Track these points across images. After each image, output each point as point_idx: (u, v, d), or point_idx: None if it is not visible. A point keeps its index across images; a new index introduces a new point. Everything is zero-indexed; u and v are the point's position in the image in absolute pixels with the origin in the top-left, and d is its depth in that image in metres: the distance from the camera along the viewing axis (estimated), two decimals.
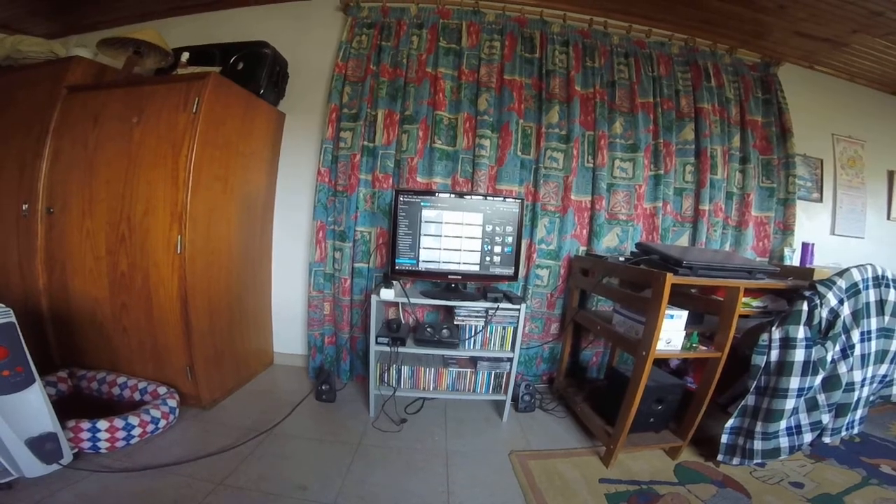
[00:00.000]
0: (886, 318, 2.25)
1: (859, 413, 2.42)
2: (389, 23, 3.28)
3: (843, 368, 2.18)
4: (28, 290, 2.72)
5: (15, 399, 1.77)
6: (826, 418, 2.25)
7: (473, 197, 2.79)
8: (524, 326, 2.77)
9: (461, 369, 2.87)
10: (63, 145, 2.66)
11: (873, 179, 4.08)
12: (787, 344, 2.09)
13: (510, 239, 2.80)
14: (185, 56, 2.88)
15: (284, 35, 3.35)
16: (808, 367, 2.08)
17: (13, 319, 1.82)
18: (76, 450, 2.02)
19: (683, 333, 2.19)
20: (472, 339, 2.80)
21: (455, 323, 2.80)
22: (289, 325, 3.60)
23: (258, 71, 3.01)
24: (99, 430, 2.07)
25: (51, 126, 2.66)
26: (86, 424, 2.05)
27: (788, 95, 3.60)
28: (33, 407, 1.83)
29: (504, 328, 2.78)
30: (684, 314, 2.16)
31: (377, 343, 2.68)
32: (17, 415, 1.77)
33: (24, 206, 2.66)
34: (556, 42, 3.33)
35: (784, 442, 2.23)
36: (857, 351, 2.20)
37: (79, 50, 2.89)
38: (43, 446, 1.82)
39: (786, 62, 3.69)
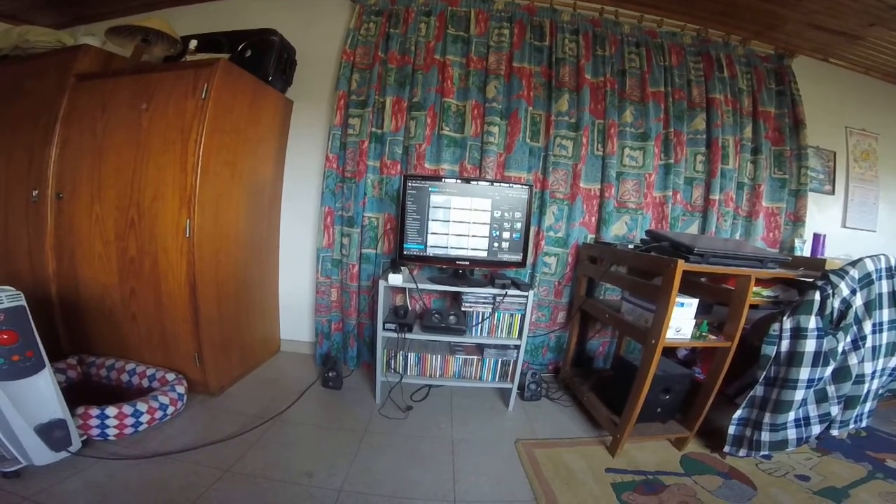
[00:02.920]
0: None
1: (868, 406, 2.41)
2: (397, 10, 3.26)
3: (853, 360, 2.17)
4: (38, 276, 2.74)
5: (24, 384, 1.78)
6: (835, 410, 2.24)
7: (481, 183, 2.79)
8: (531, 314, 2.76)
9: (468, 356, 2.87)
10: (72, 133, 2.66)
11: (887, 173, 4.03)
12: (798, 334, 2.07)
13: (519, 225, 2.79)
14: (194, 44, 2.87)
15: (292, 23, 3.33)
16: (819, 358, 2.06)
17: (24, 303, 1.83)
18: (85, 437, 2.03)
19: (693, 322, 2.17)
20: (479, 326, 2.80)
21: (462, 309, 2.80)
22: (296, 312, 3.61)
23: (266, 58, 2.99)
24: (107, 417, 2.08)
25: (59, 114, 2.66)
26: (94, 411, 2.06)
27: (802, 87, 3.56)
28: (42, 393, 1.84)
29: (511, 315, 2.78)
30: (695, 302, 2.14)
31: (384, 329, 2.69)
32: (27, 401, 1.78)
33: (34, 193, 2.67)
34: (566, 30, 3.31)
35: (792, 434, 2.23)
36: (869, 342, 2.18)
37: (87, 39, 2.88)
38: (52, 433, 1.83)
39: (800, 54, 3.64)
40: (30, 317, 1.85)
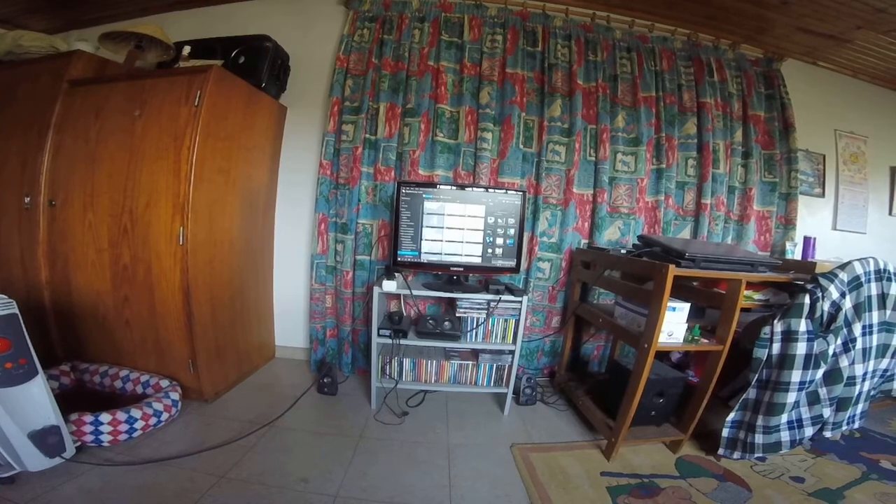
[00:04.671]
0: (888, 311, 2.26)
1: (860, 407, 2.42)
2: (391, 16, 3.28)
3: (844, 362, 2.19)
4: (30, 283, 2.72)
5: (18, 391, 1.78)
6: (827, 412, 2.26)
7: (475, 189, 2.80)
8: (526, 319, 2.77)
9: (463, 362, 2.87)
10: (65, 139, 2.65)
11: (875, 175, 4.08)
12: (789, 337, 2.09)
13: (512, 231, 2.80)
14: (187, 50, 2.87)
15: (286, 29, 3.34)
16: (810, 361, 2.08)
17: (16, 311, 1.82)
18: (79, 443, 2.02)
19: (685, 326, 2.18)
20: (474, 332, 2.80)
21: (457, 315, 2.80)
22: (291, 318, 3.61)
23: (259, 64, 3.00)
24: (102, 424, 2.08)
25: (52, 120, 2.65)
26: (88, 417, 2.06)
27: (791, 91, 3.60)
28: (36, 400, 1.83)
29: (506, 321, 2.78)
30: (686, 306, 2.16)
31: (379, 335, 2.68)
32: (20, 408, 1.78)
33: (27, 199, 2.66)
34: (559, 36, 3.33)
35: (785, 436, 2.24)
36: (859, 345, 2.20)
37: (80, 44, 2.87)
38: (46, 439, 1.82)
39: (789, 58, 3.69)
40: (22, 324, 1.84)
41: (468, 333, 2.81)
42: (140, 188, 2.51)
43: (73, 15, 3.56)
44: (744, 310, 2.24)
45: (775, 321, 2.13)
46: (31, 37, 2.83)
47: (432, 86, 3.23)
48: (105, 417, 2.09)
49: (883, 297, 2.23)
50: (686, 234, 3.44)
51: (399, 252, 2.78)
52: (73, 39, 2.97)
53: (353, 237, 3.22)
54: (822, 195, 3.91)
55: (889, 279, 2.22)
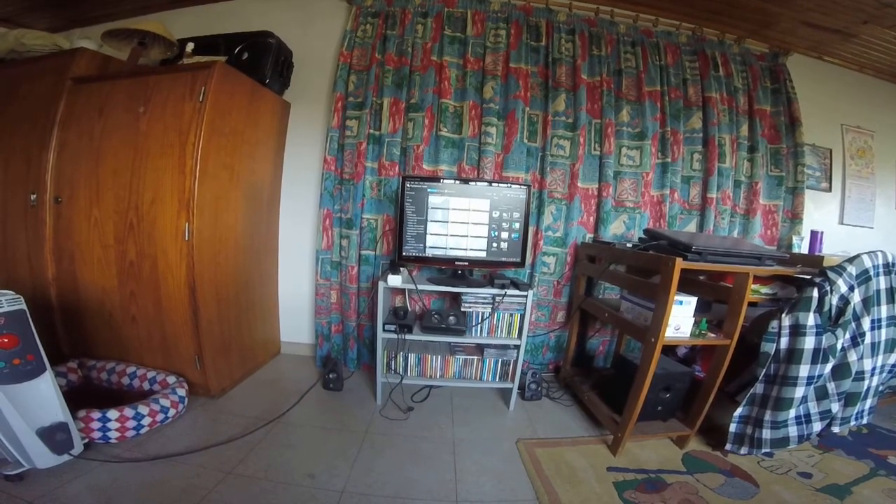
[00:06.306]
0: None
1: (869, 403, 2.42)
2: (394, 11, 3.27)
3: (853, 357, 2.17)
4: (37, 280, 2.73)
5: (26, 388, 1.78)
6: (835, 407, 2.24)
7: (479, 183, 2.79)
8: (531, 314, 2.76)
9: (468, 357, 2.87)
10: (69, 136, 2.65)
11: (882, 170, 4.05)
12: (797, 331, 2.08)
13: (517, 225, 2.80)
14: (190, 46, 2.87)
15: (289, 25, 3.34)
16: (819, 355, 2.07)
17: (24, 307, 1.83)
18: (87, 440, 2.03)
19: (692, 320, 2.17)
20: (479, 327, 2.80)
21: (462, 310, 2.81)
22: (296, 314, 3.61)
23: (263, 61, 3.00)
24: (109, 420, 2.08)
25: (57, 117, 2.66)
26: (96, 414, 2.06)
27: (797, 85, 3.58)
28: (44, 396, 1.84)
29: (511, 315, 2.79)
30: (693, 300, 2.15)
31: (384, 330, 2.69)
32: (29, 404, 1.78)
33: (32, 196, 2.67)
34: (562, 30, 3.31)
35: (793, 431, 2.23)
36: (868, 339, 2.19)
37: (83, 42, 2.88)
38: (54, 436, 1.82)
39: (794, 52, 3.67)
40: (30, 320, 1.84)
41: (473, 328, 2.81)
42: (145, 184, 2.51)
43: (74, 14, 3.56)
44: (751, 304, 2.22)
45: (783, 315, 2.13)
46: (33, 35, 2.83)
47: (436, 81, 3.21)
48: (112, 414, 2.09)
49: (892, 291, 2.21)
50: (692, 227, 3.43)
51: (404, 247, 2.78)
52: (75, 37, 2.98)
53: (358, 232, 3.22)
54: (829, 189, 3.90)
55: None
